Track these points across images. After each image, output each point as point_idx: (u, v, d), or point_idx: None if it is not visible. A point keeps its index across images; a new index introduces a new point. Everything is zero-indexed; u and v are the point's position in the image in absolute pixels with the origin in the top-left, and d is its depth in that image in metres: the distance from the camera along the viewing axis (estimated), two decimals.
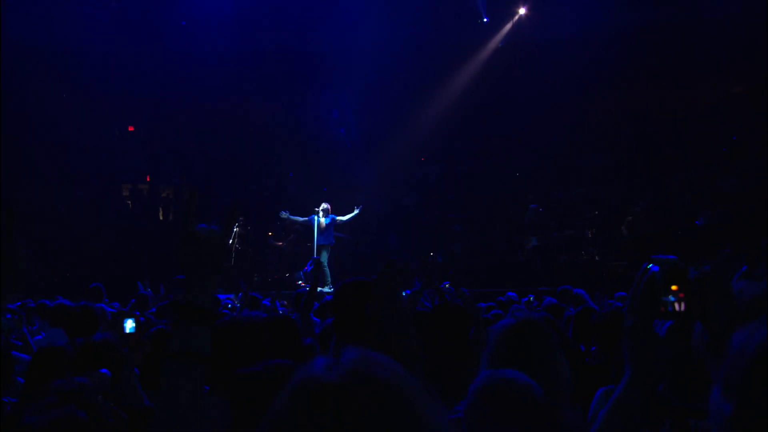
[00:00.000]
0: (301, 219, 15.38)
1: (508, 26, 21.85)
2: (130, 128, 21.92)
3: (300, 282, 16.16)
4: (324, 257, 14.94)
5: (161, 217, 20.27)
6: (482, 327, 4.54)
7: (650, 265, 1.65)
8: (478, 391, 1.93)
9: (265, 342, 3.39)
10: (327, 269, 14.77)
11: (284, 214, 15.45)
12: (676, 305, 1.59)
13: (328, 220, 15.06)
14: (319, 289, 13.82)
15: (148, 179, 20.64)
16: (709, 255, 11.45)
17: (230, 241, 15.08)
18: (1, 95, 18.21)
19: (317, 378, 1.15)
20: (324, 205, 15.16)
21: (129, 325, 3.99)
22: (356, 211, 15.45)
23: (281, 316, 4.66)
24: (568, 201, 18.60)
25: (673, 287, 1.59)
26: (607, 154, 20.22)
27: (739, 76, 20.68)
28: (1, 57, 18.27)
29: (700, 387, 1.86)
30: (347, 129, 21.51)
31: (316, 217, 15.03)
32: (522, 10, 21.42)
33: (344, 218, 15.40)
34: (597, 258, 16.27)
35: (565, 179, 19.60)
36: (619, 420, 1.69)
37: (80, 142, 20.52)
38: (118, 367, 3.59)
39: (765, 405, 1.30)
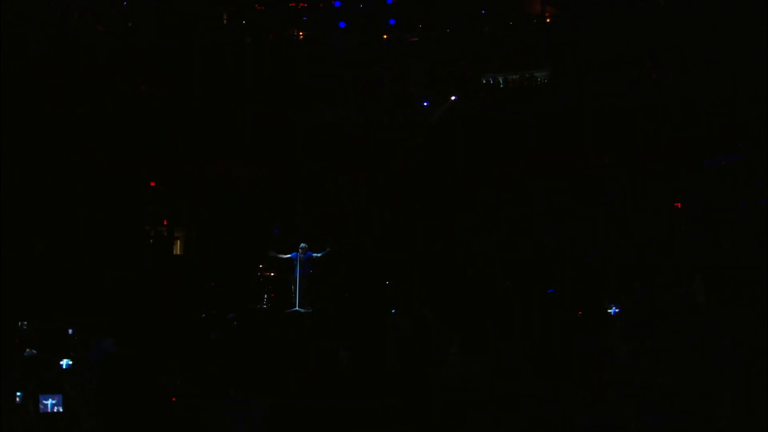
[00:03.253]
0: (285, 256, 15.33)
1: (444, 108, 22.70)
2: (152, 183, 21.98)
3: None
4: (304, 285, 14.95)
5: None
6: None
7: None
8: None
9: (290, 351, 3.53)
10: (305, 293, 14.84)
11: (272, 253, 15.44)
12: None
13: (306, 256, 15.06)
14: (299, 309, 13.97)
15: (165, 223, 20.59)
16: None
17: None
18: (56, 163, 18.42)
19: None
20: (303, 245, 15.18)
21: None
22: (327, 250, 15.48)
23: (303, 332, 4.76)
24: (493, 245, 18.82)
25: None
26: (518, 207, 20.63)
27: (609, 148, 21.53)
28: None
29: None
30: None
31: (297, 254, 15.04)
32: (453, 97, 22.36)
33: (318, 255, 15.40)
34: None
35: (487, 227, 19.88)
36: None
37: (113, 194, 20.48)
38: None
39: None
